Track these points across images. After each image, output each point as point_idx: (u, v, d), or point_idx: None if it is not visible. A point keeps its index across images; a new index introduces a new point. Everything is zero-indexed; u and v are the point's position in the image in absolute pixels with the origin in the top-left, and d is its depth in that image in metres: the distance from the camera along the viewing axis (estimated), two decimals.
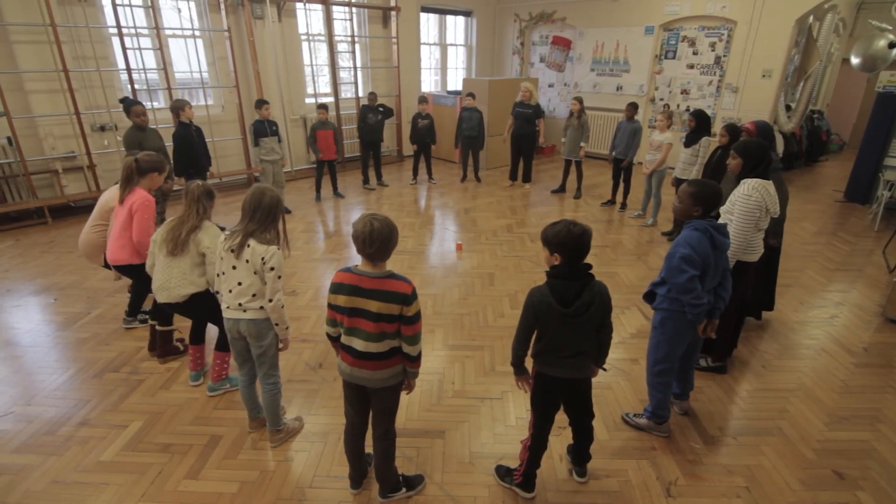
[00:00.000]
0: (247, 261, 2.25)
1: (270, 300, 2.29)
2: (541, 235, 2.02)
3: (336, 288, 1.95)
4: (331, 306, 1.99)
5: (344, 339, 2.02)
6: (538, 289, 2.01)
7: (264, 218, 2.25)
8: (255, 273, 2.26)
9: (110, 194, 3.35)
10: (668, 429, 2.72)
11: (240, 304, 2.31)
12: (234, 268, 2.28)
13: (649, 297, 2.57)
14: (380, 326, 1.91)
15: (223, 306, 2.39)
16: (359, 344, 1.96)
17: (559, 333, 2.02)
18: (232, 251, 2.25)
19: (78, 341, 3.58)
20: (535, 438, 2.25)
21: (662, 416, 2.70)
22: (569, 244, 1.91)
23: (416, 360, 2.03)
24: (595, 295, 1.96)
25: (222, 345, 2.94)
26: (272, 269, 2.24)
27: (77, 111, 5.85)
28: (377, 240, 1.83)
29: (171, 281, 2.71)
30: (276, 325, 2.38)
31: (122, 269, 3.24)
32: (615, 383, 3.16)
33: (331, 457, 2.56)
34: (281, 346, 2.50)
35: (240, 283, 2.28)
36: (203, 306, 2.82)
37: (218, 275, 2.36)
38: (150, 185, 3.19)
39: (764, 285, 3.80)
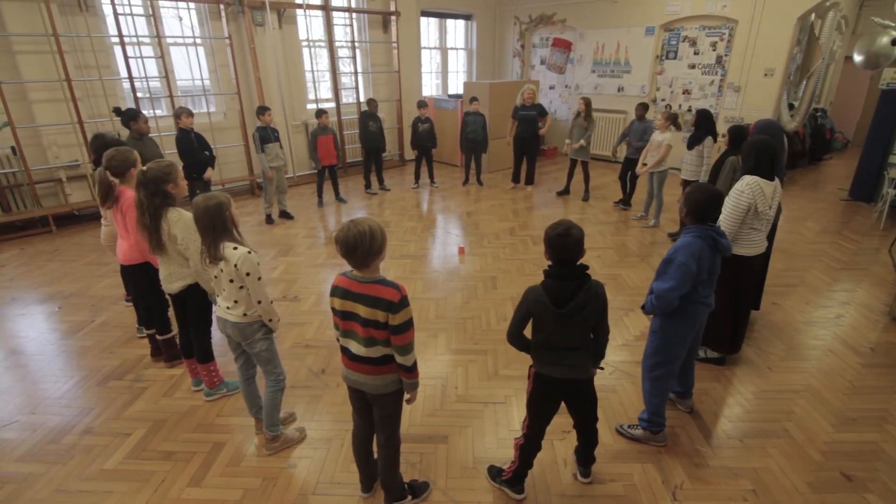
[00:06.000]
0: (221, 270, 2.24)
1: (259, 302, 2.29)
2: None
3: (332, 290, 1.97)
4: (332, 308, 2.01)
5: (341, 342, 2.04)
6: (535, 287, 2.02)
7: (207, 227, 2.17)
8: (231, 281, 2.25)
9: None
10: (664, 438, 2.66)
11: (227, 308, 2.33)
12: (215, 276, 2.30)
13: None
14: (368, 332, 1.90)
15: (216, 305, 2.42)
16: (353, 347, 1.98)
17: (555, 331, 2.03)
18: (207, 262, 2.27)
19: (82, 349, 3.59)
20: (527, 439, 2.25)
21: (659, 425, 2.63)
22: (555, 246, 1.94)
23: (410, 370, 1.97)
24: (591, 296, 1.95)
25: (204, 356, 2.95)
26: (248, 273, 2.22)
27: (80, 120, 5.88)
28: (350, 246, 1.80)
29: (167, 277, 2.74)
30: (269, 320, 2.39)
31: (133, 269, 3.14)
32: (619, 386, 3.14)
33: (334, 463, 2.55)
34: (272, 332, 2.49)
35: (224, 290, 2.32)
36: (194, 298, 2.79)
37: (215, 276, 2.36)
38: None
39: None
